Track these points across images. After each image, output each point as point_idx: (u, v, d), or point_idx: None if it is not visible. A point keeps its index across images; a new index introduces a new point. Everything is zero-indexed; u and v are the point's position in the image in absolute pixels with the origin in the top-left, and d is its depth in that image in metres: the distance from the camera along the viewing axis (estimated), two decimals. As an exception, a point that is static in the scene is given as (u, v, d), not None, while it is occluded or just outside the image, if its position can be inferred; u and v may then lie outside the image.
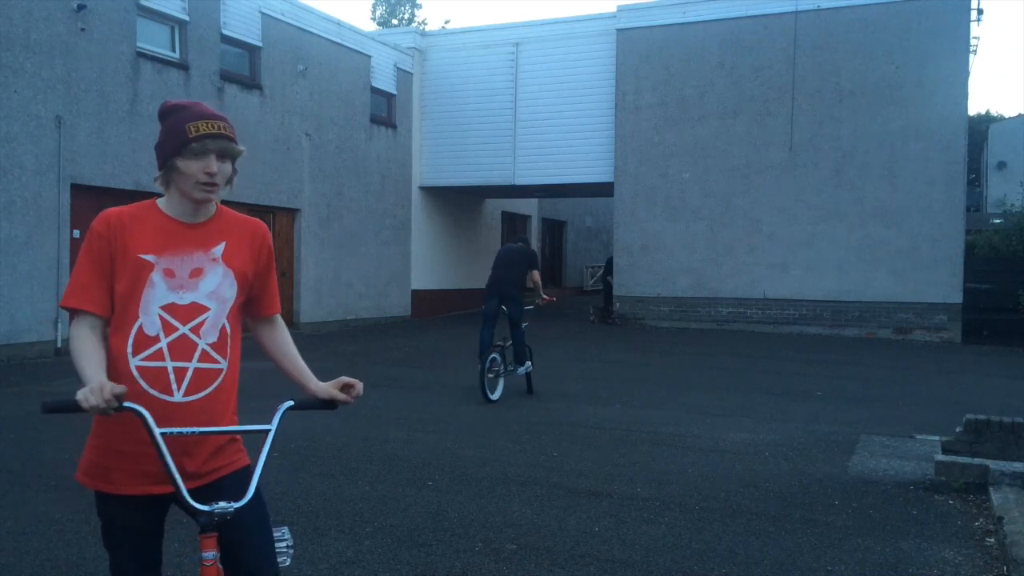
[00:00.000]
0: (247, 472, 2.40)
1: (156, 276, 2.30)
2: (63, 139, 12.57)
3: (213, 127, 2.28)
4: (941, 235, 17.22)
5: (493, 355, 9.31)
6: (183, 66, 14.68)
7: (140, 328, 2.28)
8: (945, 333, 17.22)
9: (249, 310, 2.53)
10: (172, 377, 2.29)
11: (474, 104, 20.71)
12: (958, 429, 6.46)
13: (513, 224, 27.41)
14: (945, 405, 9.54)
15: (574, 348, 14.88)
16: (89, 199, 13.18)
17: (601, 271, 26.50)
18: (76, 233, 12.92)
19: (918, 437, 7.67)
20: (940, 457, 6.15)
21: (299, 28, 17.28)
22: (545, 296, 10.44)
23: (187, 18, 14.72)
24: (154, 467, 2.21)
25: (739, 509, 5.38)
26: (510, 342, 9.71)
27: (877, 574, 4.33)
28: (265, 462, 2.29)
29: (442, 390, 10.04)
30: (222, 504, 2.16)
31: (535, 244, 28.87)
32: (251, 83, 16.20)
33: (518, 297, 9.80)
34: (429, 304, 21.34)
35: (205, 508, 2.16)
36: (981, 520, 5.27)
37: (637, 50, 19.19)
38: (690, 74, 18.82)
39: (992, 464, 5.81)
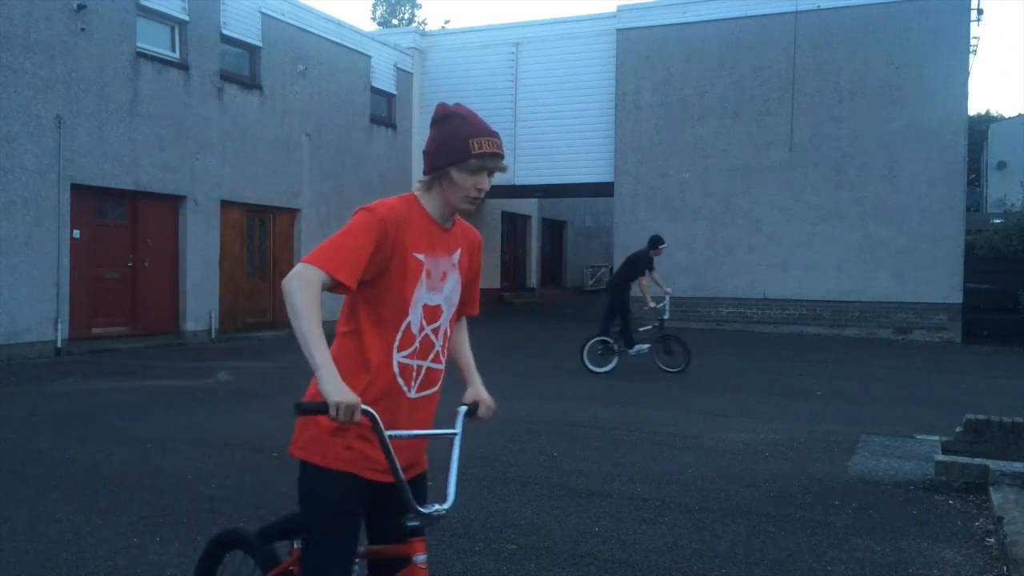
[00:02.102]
0: (426, 476, 2.55)
1: (423, 275, 2.36)
2: (63, 139, 12.57)
3: (493, 146, 2.31)
4: (941, 235, 17.22)
5: (604, 338, 11.77)
6: (183, 66, 14.68)
7: (408, 326, 2.36)
8: (945, 333, 17.22)
9: None
10: (413, 373, 2.41)
11: (474, 104, 20.18)
12: (958, 429, 6.45)
13: (514, 224, 27.38)
14: (945, 405, 9.53)
15: (574, 348, 14.84)
16: (89, 199, 13.19)
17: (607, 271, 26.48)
18: (76, 233, 12.91)
19: (918, 437, 7.66)
20: (940, 457, 6.14)
21: (299, 28, 17.28)
22: (651, 303, 11.68)
23: (187, 18, 14.73)
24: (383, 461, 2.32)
25: (739, 509, 5.37)
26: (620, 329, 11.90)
27: (877, 574, 4.33)
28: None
29: (442, 390, 10.03)
30: (437, 506, 2.22)
31: (534, 244, 28.88)
32: (251, 83, 16.21)
33: (623, 296, 11.88)
34: (429, 304, 21.30)
35: (424, 510, 2.19)
36: (981, 520, 5.27)
37: (637, 50, 19.19)
38: (690, 74, 18.82)
39: (992, 464, 5.81)
